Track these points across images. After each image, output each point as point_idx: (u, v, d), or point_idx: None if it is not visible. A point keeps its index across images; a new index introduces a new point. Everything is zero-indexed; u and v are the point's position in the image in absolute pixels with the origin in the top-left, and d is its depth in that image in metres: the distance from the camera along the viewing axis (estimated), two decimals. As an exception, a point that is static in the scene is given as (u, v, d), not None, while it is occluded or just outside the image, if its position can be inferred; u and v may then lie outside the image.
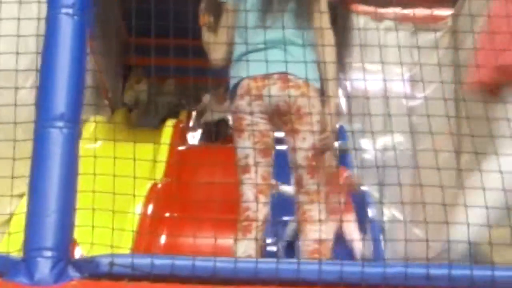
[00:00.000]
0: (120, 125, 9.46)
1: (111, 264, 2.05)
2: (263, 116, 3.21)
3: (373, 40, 6.35)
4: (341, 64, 9.60)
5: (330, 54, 3.15)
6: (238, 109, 3.23)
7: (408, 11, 5.72)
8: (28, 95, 6.57)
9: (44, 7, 5.10)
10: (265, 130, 3.23)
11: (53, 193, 2.09)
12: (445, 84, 4.42)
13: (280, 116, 3.20)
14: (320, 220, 3.03)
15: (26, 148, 5.28)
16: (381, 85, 5.87)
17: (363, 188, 6.79)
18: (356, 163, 7.58)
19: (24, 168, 5.93)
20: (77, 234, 2.73)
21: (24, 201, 6.37)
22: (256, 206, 3.14)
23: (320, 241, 3.03)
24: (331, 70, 3.18)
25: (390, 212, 5.89)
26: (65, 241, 2.09)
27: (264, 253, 4.89)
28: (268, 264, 2.10)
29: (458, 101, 4.40)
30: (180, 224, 6.45)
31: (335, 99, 3.21)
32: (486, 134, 2.99)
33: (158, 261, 2.06)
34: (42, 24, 5.18)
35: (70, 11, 2.21)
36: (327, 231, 3.22)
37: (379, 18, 6.45)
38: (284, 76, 3.15)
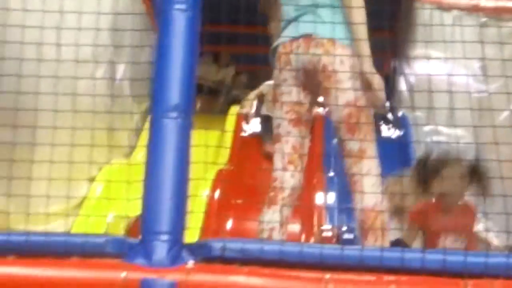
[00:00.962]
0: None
1: (223, 248, 2.16)
2: (296, 82, 3.17)
3: (439, 31, 6.33)
4: (406, 55, 9.62)
5: (358, 15, 3.14)
6: (274, 78, 3.25)
7: (478, 1, 5.67)
8: (101, 85, 6.74)
9: (117, 2, 5.22)
10: (298, 99, 3.17)
11: (168, 181, 2.20)
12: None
13: (310, 79, 3.14)
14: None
15: (101, 136, 5.43)
16: (446, 77, 5.87)
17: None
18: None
19: (97, 154, 6.05)
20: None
21: (95, 185, 6.55)
22: (284, 176, 3.14)
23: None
24: (360, 30, 3.16)
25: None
26: (180, 226, 2.20)
27: (340, 241, 4.97)
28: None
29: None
30: (245, 209, 6.58)
31: (369, 59, 3.19)
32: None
33: (267, 247, 2.16)
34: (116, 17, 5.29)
35: (183, 6, 2.31)
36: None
37: (446, 7, 6.36)
38: (307, 38, 3.15)
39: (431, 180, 3.84)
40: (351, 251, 2.17)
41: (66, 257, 2.14)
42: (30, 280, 2.09)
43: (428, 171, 3.87)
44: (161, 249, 2.15)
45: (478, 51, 5.33)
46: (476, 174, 3.81)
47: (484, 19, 5.59)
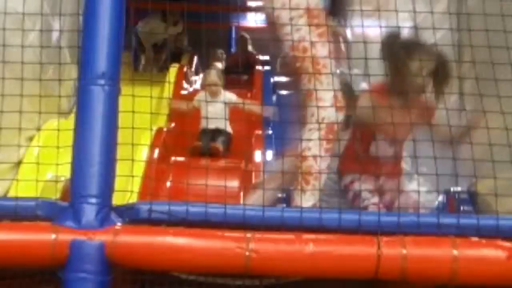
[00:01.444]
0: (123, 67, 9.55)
1: (150, 210, 2.25)
2: None
3: None
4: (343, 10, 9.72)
5: None
6: None
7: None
8: (36, 39, 6.71)
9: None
10: None
11: (96, 146, 2.28)
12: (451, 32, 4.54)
13: None
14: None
15: (34, 90, 5.41)
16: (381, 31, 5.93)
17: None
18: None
19: (32, 110, 6.03)
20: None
21: (32, 147, 6.53)
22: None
23: None
24: None
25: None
26: (108, 190, 2.29)
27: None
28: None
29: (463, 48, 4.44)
30: (184, 169, 6.63)
31: None
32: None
33: (192, 209, 2.27)
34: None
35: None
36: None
37: None
38: None
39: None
40: (272, 212, 2.29)
41: (-1, 220, 2.21)
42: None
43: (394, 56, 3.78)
44: (90, 212, 2.24)
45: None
46: (443, 70, 3.64)
47: None
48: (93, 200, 2.25)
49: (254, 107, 7.29)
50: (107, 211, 2.26)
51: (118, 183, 2.39)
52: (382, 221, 2.25)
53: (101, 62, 2.33)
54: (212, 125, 6.93)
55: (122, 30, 2.39)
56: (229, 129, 7.14)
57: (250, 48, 11.11)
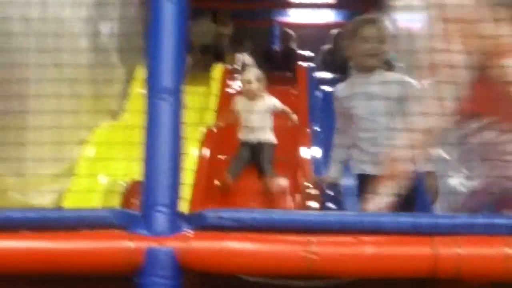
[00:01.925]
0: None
1: (217, 217, 2.40)
2: None
3: None
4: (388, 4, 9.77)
5: None
6: None
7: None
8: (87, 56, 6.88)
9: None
10: None
11: (164, 158, 2.44)
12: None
13: None
14: None
15: (88, 103, 5.63)
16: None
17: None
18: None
19: (87, 118, 6.27)
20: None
21: (88, 147, 6.73)
22: None
23: None
24: None
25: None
26: (176, 198, 2.44)
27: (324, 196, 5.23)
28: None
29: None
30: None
31: None
32: None
33: (257, 215, 2.42)
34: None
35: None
36: None
37: None
38: None
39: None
40: (332, 216, 2.43)
41: (76, 230, 2.38)
42: (46, 252, 2.33)
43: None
44: (161, 220, 2.39)
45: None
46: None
47: None
48: (164, 209, 2.40)
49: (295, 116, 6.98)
50: (177, 219, 2.41)
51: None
52: (438, 222, 2.37)
53: (166, 77, 2.49)
54: (252, 136, 6.59)
55: (184, 47, 2.54)
56: (272, 138, 6.71)
57: (293, 45, 11.21)
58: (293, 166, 6.98)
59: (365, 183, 3.57)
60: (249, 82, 6.73)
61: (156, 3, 2.52)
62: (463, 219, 2.39)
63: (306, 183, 5.73)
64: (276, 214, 2.43)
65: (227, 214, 2.40)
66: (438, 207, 4.17)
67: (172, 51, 2.50)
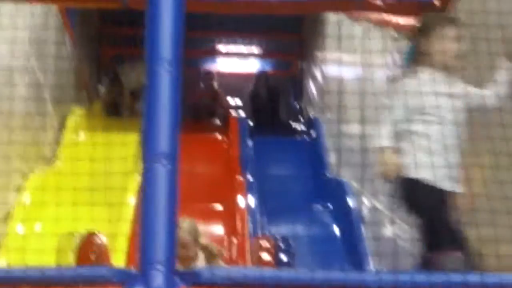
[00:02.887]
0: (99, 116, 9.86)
1: (212, 274, 2.56)
2: None
3: (349, 38, 6.68)
4: (314, 57, 10.11)
5: None
6: None
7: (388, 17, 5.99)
8: (24, 91, 6.99)
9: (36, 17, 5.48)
10: None
11: (161, 219, 2.58)
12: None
13: None
14: None
15: (23, 143, 5.67)
16: (358, 77, 6.29)
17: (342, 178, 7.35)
18: (334, 153, 8.16)
19: (19, 162, 6.31)
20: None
21: (21, 199, 6.72)
22: None
23: None
24: None
25: (371, 204, 6.44)
26: (172, 256, 2.59)
27: (278, 251, 5.39)
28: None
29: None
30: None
31: None
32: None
33: (249, 273, 2.58)
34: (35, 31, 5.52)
35: (167, 65, 2.68)
36: None
37: (357, 19, 6.66)
38: None
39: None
40: (320, 274, 2.62)
41: (75, 287, 2.49)
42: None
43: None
44: (158, 277, 2.53)
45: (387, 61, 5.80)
46: None
47: (394, 34, 5.93)
48: (160, 267, 2.54)
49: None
50: (173, 276, 2.55)
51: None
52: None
53: (163, 143, 2.64)
54: None
55: (179, 114, 2.70)
56: None
57: (215, 85, 11.30)
58: (229, 215, 7.13)
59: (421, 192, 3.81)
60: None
61: (152, 70, 2.67)
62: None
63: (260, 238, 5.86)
64: (267, 272, 2.60)
65: (220, 271, 2.56)
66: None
67: (168, 117, 2.66)
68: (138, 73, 9.87)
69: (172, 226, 2.61)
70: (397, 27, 5.87)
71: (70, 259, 4.84)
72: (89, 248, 4.69)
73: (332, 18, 8.27)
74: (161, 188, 2.61)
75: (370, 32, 6.44)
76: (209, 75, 11.57)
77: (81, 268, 2.68)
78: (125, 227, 6.00)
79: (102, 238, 4.71)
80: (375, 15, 6.08)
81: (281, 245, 5.34)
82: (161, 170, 2.62)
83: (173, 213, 2.63)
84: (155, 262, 2.55)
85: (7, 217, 6.60)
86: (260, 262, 5.23)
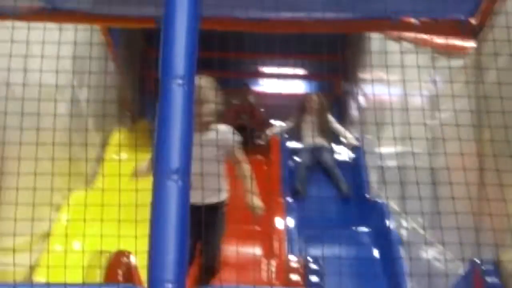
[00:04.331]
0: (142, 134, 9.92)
1: (221, 294, 2.52)
2: None
3: (391, 57, 6.64)
4: (357, 78, 10.03)
5: None
6: None
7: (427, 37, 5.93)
8: (65, 108, 7.02)
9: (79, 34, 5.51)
10: None
11: (171, 236, 2.55)
12: (464, 111, 4.82)
13: None
14: None
15: (65, 163, 5.74)
16: (399, 98, 6.22)
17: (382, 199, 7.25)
18: (373, 174, 8.06)
19: (61, 182, 6.35)
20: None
21: (61, 217, 6.78)
22: None
23: None
24: None
25: (410, 225, 6.33)
26: (182, 274, 2.55)
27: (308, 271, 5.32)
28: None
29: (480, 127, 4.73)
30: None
31: None
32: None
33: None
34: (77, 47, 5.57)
35: (180, 81, 2.66)
36: None
37: (397, 39, 6.63)
38: None
39: None
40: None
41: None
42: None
43: None
44: (167, 296, 2.50)
45: (428, 82, 5.72)
46: None
47: (434, 54, 5.89)
48: (170, 285, 2.50)
49: None
50: (182, 294, 2.52)
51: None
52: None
53: (174, 159, 2.61)
54: None
55: (191, 130, 2.67)
56: None
57: (251, 99, 11.09)
58: (267, 236, 7.07)
59: None
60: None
61: (165, 84, 2.65)
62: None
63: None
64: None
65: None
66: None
67: (180, 133, 2.63)
68: None
69: (183, 244, 2.58)
70: (437, 47, 5.83)
71: (98, 276, 4.82)
72: (117, 267, 4.67)
73: (374, 37, 8.21)
74: (171, 205, 2.58)
75: (410, 52, 6.37)
76: (245, 86, 11.35)
77: (90, 285, 2.64)
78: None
79: (131, 257, 4.69)
80: (415, 35, 6.04)
81: (311, 265, 5.26)
82: (172, 187, 2.59)
83: (184, 231, 2.59)
84: (165, 280, 2.51)
85: (46, 235, 6.63)
86: (288, 283, 5.18)
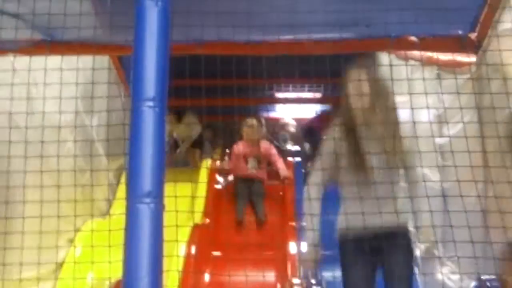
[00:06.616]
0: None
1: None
2: None
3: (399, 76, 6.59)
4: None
5: None
6: None
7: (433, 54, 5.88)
8: (72, 147, 7.02)
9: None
10: None
11: (144, 260, 2.50)
12: (470, 125, 4.76)
13: None
14: None
15: (72, 195, 5.70)
16: (407, 119, 6.14)
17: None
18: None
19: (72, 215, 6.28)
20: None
21: (72, 248, 6.75)
22: None
23: None
24: None
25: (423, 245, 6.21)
26: (157, 300, 2.50)
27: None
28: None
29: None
30: (222, 263, 6.80)
31: None
32: None
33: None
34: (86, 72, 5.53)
35: (152, 103, 2.63)
36: None
37: (404, 57, 6.57)
38: None
39: None
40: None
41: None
42: None
43: None
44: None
45: (435, 99, 5.65)
46: None
47: (438, 71, 5.83)
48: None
49: None
50: (156, 322, 2.47)
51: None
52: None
53: (146, 182, 2.57)
54: None
55: (163, 153, 2.63)
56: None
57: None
58: (280, 261, 7.00)
59: None
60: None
61: (137, 109, 2.63)
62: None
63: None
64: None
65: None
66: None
67: (152, 155, 2.60)
68: (185, 124, 9.87)
69: (157, 267, 2.53)
70: (441, 64, 5.78)
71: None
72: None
73: (384, 59, 8.12)
74: (144, 228, 2.53)
75: (417, 71, 6.31)
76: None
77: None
78: (172, 278, 5.94)
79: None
80: (421, 54, 6.00)
81: (315, 288, 5.19)
82: (144, 210, 2.55)
83: (158, 255, 2.54)
84: (140, 305, 2.47)
85: (57, 269, 6.60)
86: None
